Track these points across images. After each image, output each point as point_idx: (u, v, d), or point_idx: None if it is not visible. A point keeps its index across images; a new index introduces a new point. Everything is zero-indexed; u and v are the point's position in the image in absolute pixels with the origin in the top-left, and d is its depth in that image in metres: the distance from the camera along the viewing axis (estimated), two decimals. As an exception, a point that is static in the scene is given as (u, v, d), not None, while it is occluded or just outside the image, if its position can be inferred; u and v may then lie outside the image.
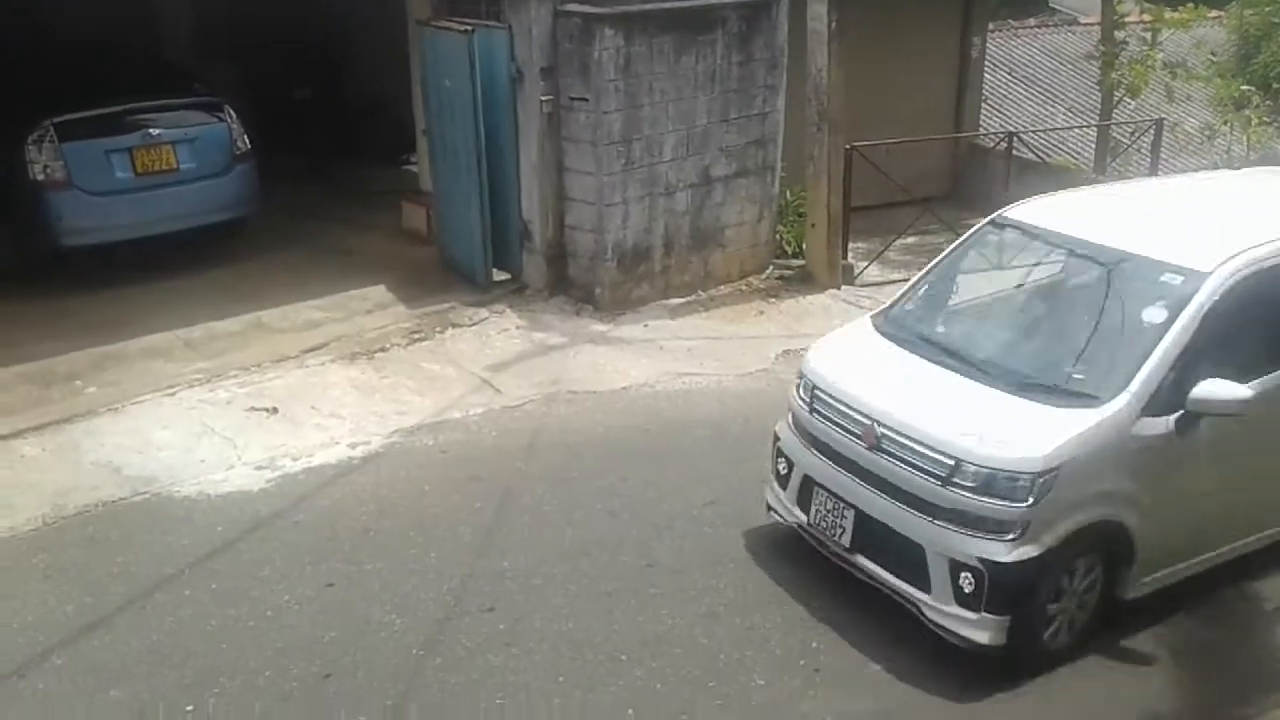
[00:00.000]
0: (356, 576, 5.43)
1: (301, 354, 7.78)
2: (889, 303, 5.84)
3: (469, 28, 8.40)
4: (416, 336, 8.18)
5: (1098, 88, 14.67)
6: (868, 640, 4.98)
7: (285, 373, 7.53)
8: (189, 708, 4.57)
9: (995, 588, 4.55)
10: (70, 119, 8.62)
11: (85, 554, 5.56)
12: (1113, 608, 4.96)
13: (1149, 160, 12.22)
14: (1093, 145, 14.88)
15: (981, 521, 4.56)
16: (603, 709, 4.61)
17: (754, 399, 7.27)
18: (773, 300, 9.21)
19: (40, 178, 8.57)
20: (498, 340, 8.22)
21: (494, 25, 8.56)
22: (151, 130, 8.93)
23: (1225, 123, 14.36)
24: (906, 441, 4.80)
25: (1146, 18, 14.49)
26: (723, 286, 9.38)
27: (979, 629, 4.62)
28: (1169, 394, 4.69)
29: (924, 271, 5.95)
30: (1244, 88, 14.27)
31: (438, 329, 8.31)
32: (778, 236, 9.89)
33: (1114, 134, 14.10)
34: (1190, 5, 14.61)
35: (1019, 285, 5.82)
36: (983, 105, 14.76)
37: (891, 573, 4.90)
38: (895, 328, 5.54)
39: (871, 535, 4.97)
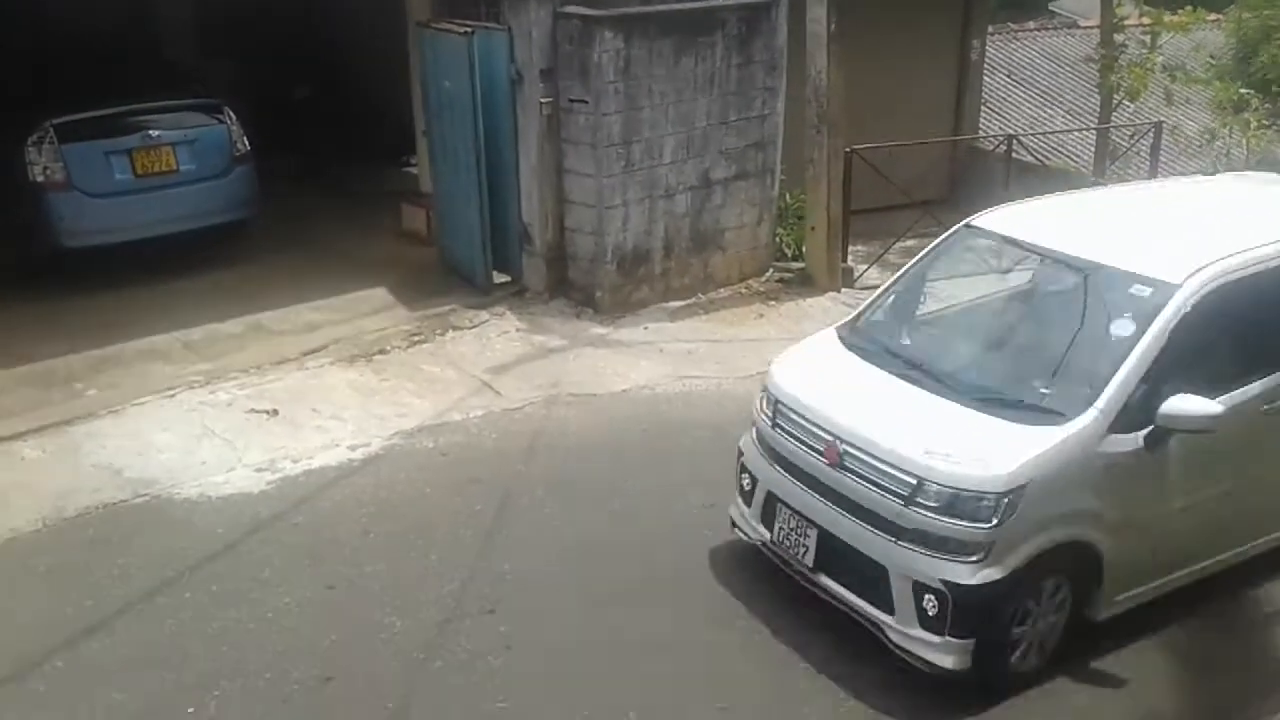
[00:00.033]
0: (357, 579, 5.43)
1: (301, 356, 7.78)
2: (855, 313, 5.73)
3: (469, 29, 8.40)
4: (416, 339, 8.18)
5: (1097, 91, 14.68)
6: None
7: (285, 375, 7.53)
8: (189, 710, 4.57)
9: (959, 611, 4.43)
10: (70, 120, 8.62)
11: (85, 556, 5.56)
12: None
13: (1148, 163, 12.24)
14: (1092, 148, 14.90)
15: (945, 542, 4.44)
16: (604, 711, 4.61)
17: (754, 402, 7.26)
18: (773, 303, 9.22)
19: (40, 179, 8.57)
20: (498, 342, 8.22)
21: (494, 27, 8.57)
22: (151, 132, 8.93)
23: (1224, 126, 14.38)
24: (869, 459, 4.68)
25: (1146, 21, 14.51)
26: (722, 289, 9.39)
27: (943, 653, 4.50)
28: (1138, 409, 4.57)
29: (891, 281, 5.83)
30: (1243, 91, 14.29)
31: (438, 331, 8.31)
32: (777, 239, 9.90)
33: (1113, 137, 14.12)
34: (1189, 8, 14.63)
35: (987, 296, 5.71)
36: (982, 108, 14.78)
37: (855, 594, 4.78)
38: (861, 340, 5.42)
39: (835, 555, 4.85)
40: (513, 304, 8.82)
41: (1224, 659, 5.10)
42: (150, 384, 7.28)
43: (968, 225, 5.72)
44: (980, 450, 4.50)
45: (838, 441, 4.80)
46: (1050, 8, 26.14)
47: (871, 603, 4.70)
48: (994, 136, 13.92)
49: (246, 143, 9.43)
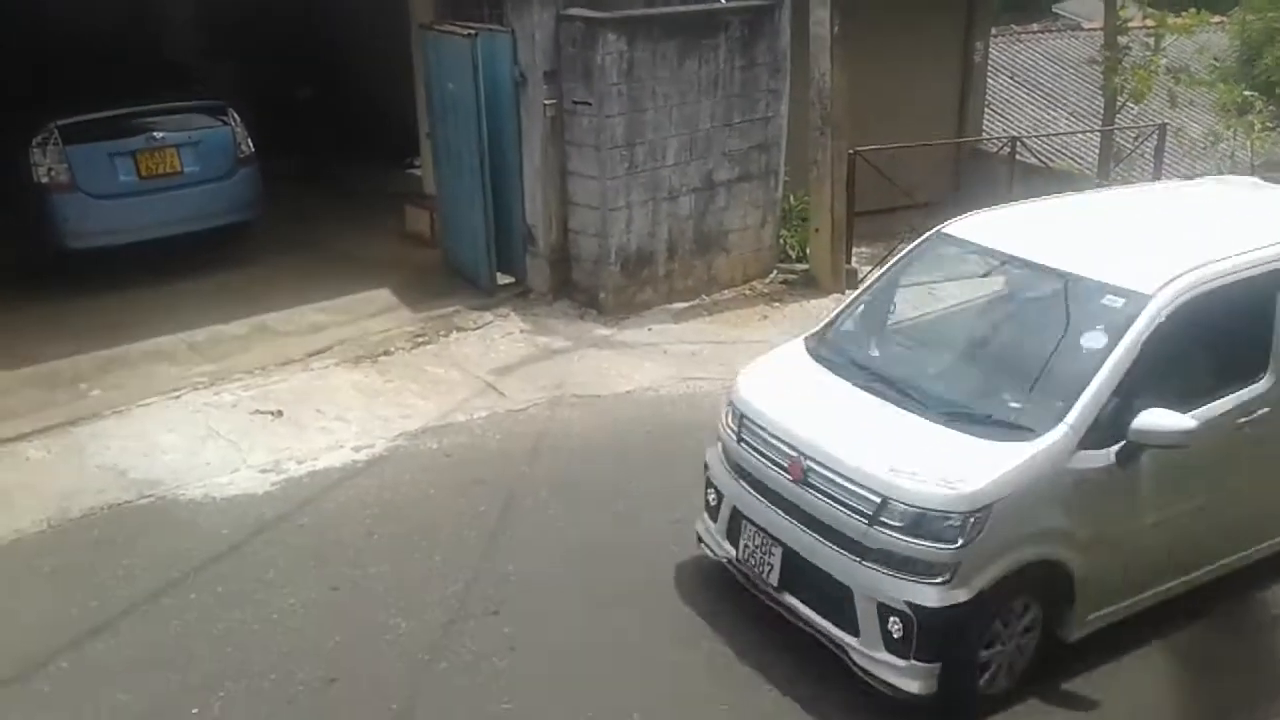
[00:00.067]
0: (361, 580, 5.44)
1: (306, 357, 7.79)
2: (823, 323, 5.58)
3: (472, 31, 8.41)
4: (421, 340, 8.19)
5: (1101, 93, 14.69)
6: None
7: (290, 376, 7.54)
8: (194, 711, 4.57)
9: (925, 634, 4.30)
10: (74, 122, 8.64)
11: (90, 557, 5.57)
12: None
13: (1152, 165, 12.23)
14: (1096, 150, 14.91)
15: (910, 563, 4.30)
16: (608, 713, 4.61)
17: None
18: (776, 304, 9.22)
19: (45, 180, 8.59)
20: (502, 344, 8.23)
21: (497, 29, 8.58)
22: (155, 133, 8.95)
23: (1228, 128, 14.38)
24: (833, 476, 4.54)
25: (1149, 23, 14.53)
26: (726, 291, 9.39)
27: (908, 677, 4.36)
28: (1109, 425, 4.43)
29: (860, 290, 5.70)
30: (1247, 93, 14.29)
31: (442, 332, 8.32)
32: (781, 241, 9.90)
33: (1117, 139, 14.12)
34: (1193, 10, 14.64)
35: (957, 306, 5.58)
36: (986, 110, 14.79)
37: (819, 614, 4.64)
38: (828, 351, 5.28)
39: (799, 574, 4.70)
40: (517, 305, 8.82)
41: (1229, 661, 5.08)
42: (155, 385, 7.29)
43: (940, 232, 5.59)
44: (946, 468, 4.35)
45: (802, 457, 4.66)
46: (1054, 10, 26.18)
47: (836, 624, 4.57)
48: (997, 138, 13.92)
49: (250, 144, 9.45)
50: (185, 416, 6.95)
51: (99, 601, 5.20)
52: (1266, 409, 4.92)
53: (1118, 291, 4.71)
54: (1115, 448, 4.46)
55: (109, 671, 4.77)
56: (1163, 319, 4.56)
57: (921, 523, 4.28)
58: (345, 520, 5.93)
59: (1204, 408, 4.71)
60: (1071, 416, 4.41)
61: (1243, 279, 4.83)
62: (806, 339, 5.47)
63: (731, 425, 5.13)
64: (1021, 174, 11.68)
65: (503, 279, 9.07)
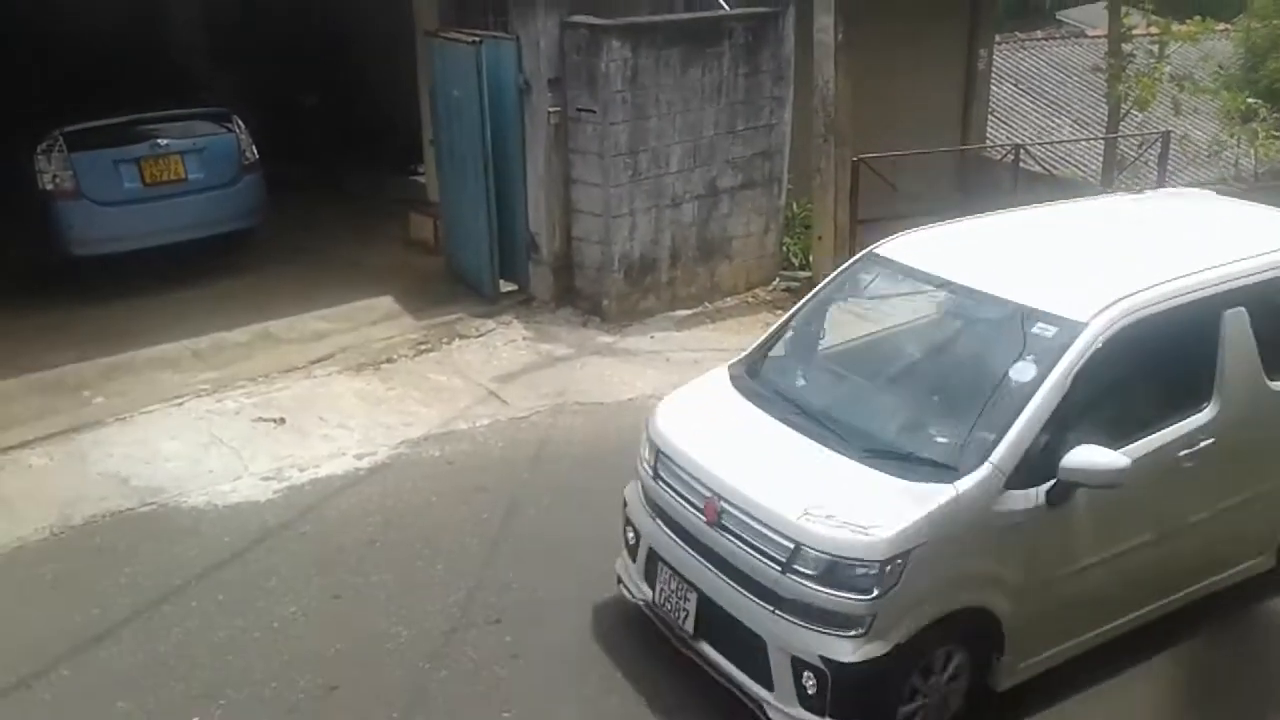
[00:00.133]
0: (363, 588, 5.43)
1: (309, 364, 7.80)
2: (748, 350, 5.33)
3: (477, 39, 8.43)
4: (423, 347, 8.19)
5: (1105, 100, 14.68)
6: None
7: (292, 383, 7.54)
8: (195, 719, 4.56)
9: (839, 690, 4.04)
10: (79, 129, 8.67)
11: (93, 564, 5.57)
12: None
13: (1156, 173, 12.22)
14: (1099, 157, 14.91)
15: (824, 615, 4.03)
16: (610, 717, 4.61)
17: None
18: (779, 312, 9.16)
19: (49, 187, 8.61)
20: (504, 351, 8.23)
21: (502, 36, 8.60)
22: (160, 140, 8.98)
23: (1232, 136, 14.37)
24: (746, 519, 4.27)
25: (1154, 30, 14.53)
26: (729, 298, 9.39)
27: None
28: (1039, 462, 4.16)
29: (788, 315, 5.43)
30: (1250, 101, 14.28)
31: (444, 340, 8.32)
32: (784, 248, 9.91)
33: (1121, 147, 14.11)
34: (1197, 18, 14.64)
35: (885, 333, 5.31)
36: (989, 117, 14.79)
37: (735, 666, 4.38)
38: (752, 381, 5.02)
39: (714, 623, 4.43)
40: (519, 313, 8.83)
41: (1232, 678, 5.04)
42: (158, 392, 7.30)
43: (871, 253, 5.36)
44: (862, 512, 4.08)
45: (716, 498, 4.40)
46: (1058, 17, 26.19)
47: (752, 676, 4.30)
48: (1001, 146, 13.92)
49: (255, 151, 9.47)
50: (188, 424, 6.95)
51: (101, 609, 5.20)
52: (1210, 440, 4.67)
53: (1049, 319, 4.43)
54: (1045, 487, 4.20)
55: (111, 679, 4.76)
56: (1098, 348, 4.30)
57: (834, 571, 4.01)
58: (347, 528, 5.92)
59: (1142, 441, 4.47)
60: (996, 455, 4.13)
61: (1185, 303, 4.59)
62: (731, 366, 5.20)
63: (648, 461, 4.85)
64: (1025, 181, 11.67)
65: (506, 286, 9.08)
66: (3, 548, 5.68)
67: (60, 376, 7.48)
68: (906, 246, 5.30)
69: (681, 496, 4.60)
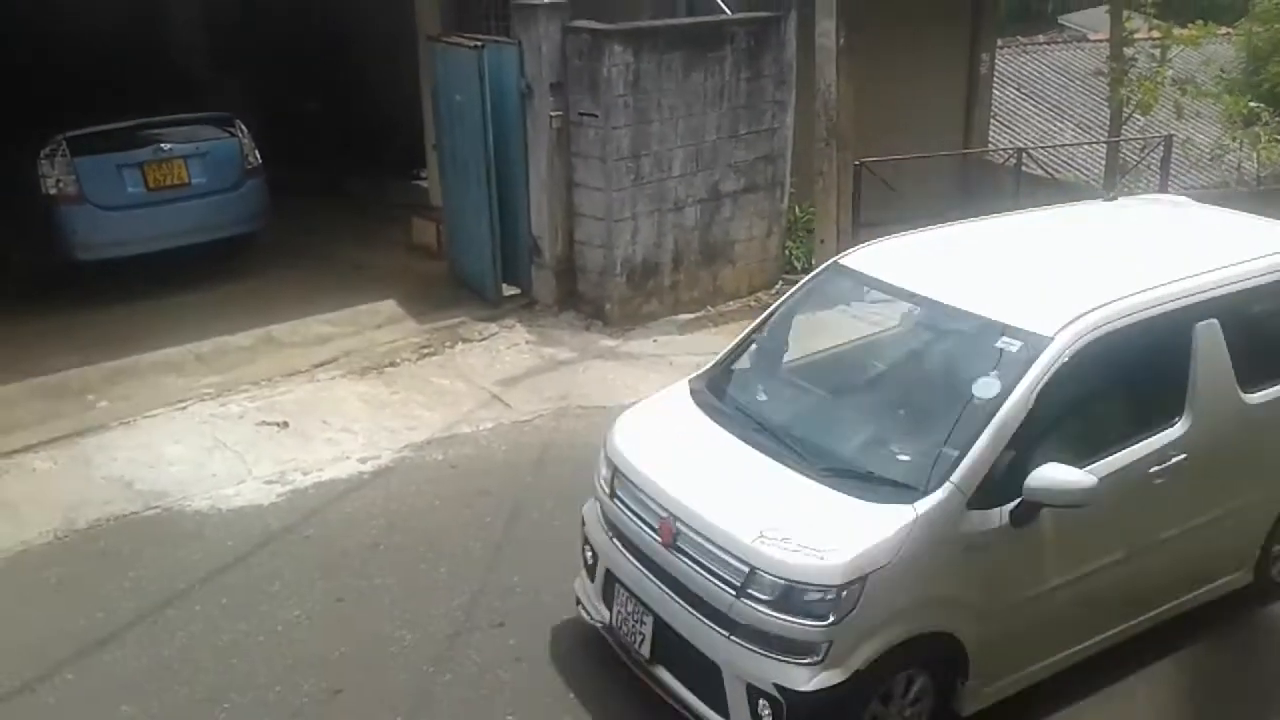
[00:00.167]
0: (366, 591, 5.43)
1: (312, 368, 7.81)
2: (710, 364, 5.18)
3: (479, 43, 8.44)
4: (426, 351, 8.20)
5: (1107, 104, 14.68)
6: None
7: (296, 387, 7.55)
8: (199, 723, 4.58)
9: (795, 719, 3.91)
10: (83, 134, 8.69)
11: (96, 568, 5.57)
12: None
13: (1159, 177, 12.22)
14: (1101, 161, 14.91)
15: (779, 641, 3.90)
16: (613, 724, 4.61)
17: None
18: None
19: (53, 192, 8.64)
20: (507, 355, 8.24)
21: (504, 41, 8.62)
22: (163, 145, 9.00)
23: (1234, 140, 14.37)
24: (702, 541, 4.13)
25: (1156, 34, 14.52)
26: (732, 302, 9.39)
27: None
28: (1003, 481, 4.03)
29: (751, 327, 5.28)
30: (1253, 104, 14.29)
31: (448, 344, 8.33)
32: (787, 252, 9.91)
33: (1123, 151, 14.11)
34: (1199, 22, 14.63)
35: (847, 348, 5.19)
36: (991, 121, 14.80)
37: (691, 692, 4.24)
38: (713, 396, 4.88)
39: (671, 647, 4.30)
40: (522, 316, 8.84)
41: (1235, 683, 5.02)
42: (161, 396, 7.31)
43: (836, 264, 5.23)
44: (818, 535, 3.94)
45: (672, 519, 4.25)
46: (1060, 21, 26.21)
47: (708, 704, 4.17)
48: (1003, 149, 13.93)
49: (258, 156, 9.50)
50: (192, 428, 6.96)
51: (104, 613, 5.20)
52: (1182, 455, 4.54)
53: (1014, 333, 4.29)
54: (1010, 506, 4.07)
55: (114, 683, 4.77)
56: (1064, 362, 4.16)
57: (789, 597, 3.87)
58: (351, 532, 5.93)
59: (1111, 458, 4.34)
60: (957, 475, 3.99)
61: (1155, 315, 4.46)
62: (692, 380, 5.06)
63: (605, 478, 4.72)
64: (1027, 185, 11.68)
65: (508, 290, 9.09)
66: (7, 551, 5.69)
67: (64, 381, 7.49)
68: (871, 257, 5.17)
69: (638, 516, 4.46)
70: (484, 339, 8.46)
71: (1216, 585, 5.07)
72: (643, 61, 8.39)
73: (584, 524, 4.93)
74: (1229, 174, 15.22)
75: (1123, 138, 14.13)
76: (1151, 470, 4.48)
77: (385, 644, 5.04)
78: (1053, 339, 4.20)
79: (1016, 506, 4.07)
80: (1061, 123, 18.64)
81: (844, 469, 4.22)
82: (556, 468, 6.63)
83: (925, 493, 3.99)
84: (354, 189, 11.73)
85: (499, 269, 8.94)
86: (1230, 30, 16.54)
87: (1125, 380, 4.54)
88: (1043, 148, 14.53)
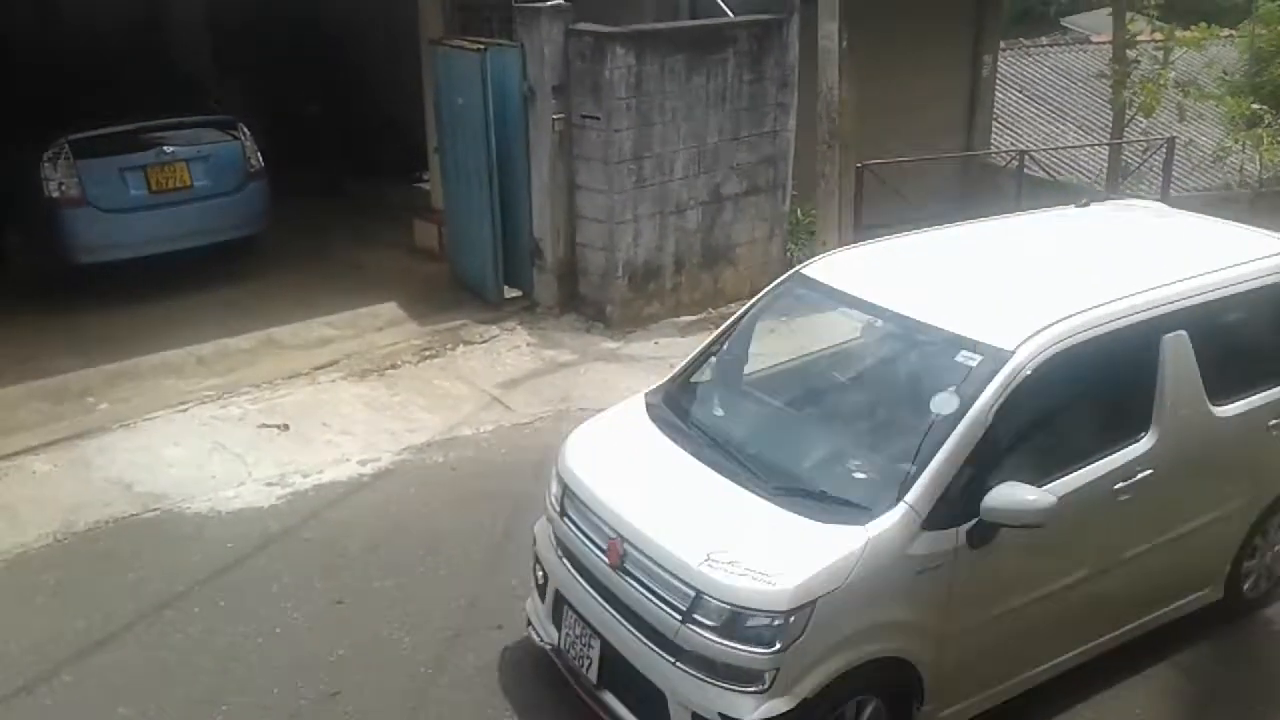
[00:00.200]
0: (366, 594, 5.42)
1: (313, 371, 7.80)
2: (668, 376, 5.06)
3: (481, 46, 8.45)
4: (427, 353, 8.19)
5: (1109, 106, 14.66)
6: None
7: (296, 389, 7.55)
8: (197, 725, 4.57)
9: None
10: (85, 136, 8.69)
11: (95, 570, 5.57)
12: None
13: (1161, 179, 12.20)
14: (1104, 164, 14.89)
15: (725, 669, 3.76)
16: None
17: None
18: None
19: (55, 195, 8.63)
20: (508, 357, 8.23)
21: (506, 44, 8.61)
22: (166, 148, 9.00)
23: (1237, 141, 14.35)
24: (648, 563, 4.00)
25: (1158, 36, 14.52)
26: (733, 304, 9.34)
27: None
28: (960, 500, 3.91)
29: (711, 339, 5.17)
30: (1255, 106, 14.26)
31: (449, 346, 8.33)
32: (789, 254, 9.89)
33: (1125, 153, 14.10)
34: (1202, 24, 14.62)
35: (806, 361, 5.08)
36: (994, 124, 14.79)
37: (637, 719, 4.11)
38: (668, 411, 4.73)
39: (618, 673, 4.16)
40: (523, 319, 8.84)
41: (1235, 686, 5.00)
42: (162, 398, 7.31)
43: (798, 273, 5.08)
44: (767, 558, 3.80)
45: (620, 539, 4.12)
46: (1062, 23, 26.21)
47: None
48: (1006, 152, 13.92)
49: (260, 158, 9.50)
50: (192, 430, 6.96)
51: (103, 615, 5.20)
52: (1149, 471, 4.43)
53: (974, 347, 4.17)
54: (967, 526, 3.94)
55: (112, 685, 4.76)
56: (1026, 376, 4.04)
57: (735, 622, 3.74)
58: (350, 534, 5.92)
59: (1074, 475, 4.23)
60: (912, 495, 3.87)
61: (1120, 328, 4.34)
62: (648, 394, 4.91)
63: (556, 496, 4.60)
64: (1029, 187, 11.66)
65: (510, 293, 9.09)
66: (6, 554, 5.68)
67: (65, 383, 7.49)
68: (833, 267, 5.05)
69: (586, 536, 4.34)
70: (485, 341, 8.45)
71: (1185, 602, 4.97)
72: (645, 64, 8.38)
73: (535, 543, 4.80)
74: (1231, 176, 15.19)
75: (1125, 140, 14.12)
76: (1116, 486, 4.37)
77: (384, 646, 5.03)
78: (1013, 353, 4.08)
79: (974, 527, 3.95)
80: (1064, 125, 18.62)
81: (797, 488, 4.09)
82: (557, 470, 6.62)
83: (878, 514, 3.87)
84: (355, 191, 11.73)
85: (500, 271, 8.94)
86: (1233, 32, 16.51)
87: (1090, 394, 4.43)
88: (1045, 150, 14.51)
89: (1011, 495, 3.89)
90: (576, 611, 4.39)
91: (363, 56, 12.60)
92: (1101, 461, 4.35)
